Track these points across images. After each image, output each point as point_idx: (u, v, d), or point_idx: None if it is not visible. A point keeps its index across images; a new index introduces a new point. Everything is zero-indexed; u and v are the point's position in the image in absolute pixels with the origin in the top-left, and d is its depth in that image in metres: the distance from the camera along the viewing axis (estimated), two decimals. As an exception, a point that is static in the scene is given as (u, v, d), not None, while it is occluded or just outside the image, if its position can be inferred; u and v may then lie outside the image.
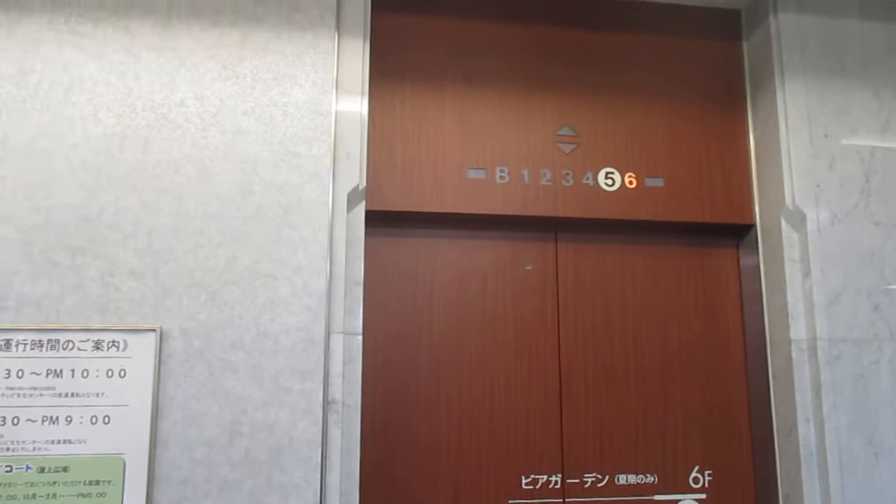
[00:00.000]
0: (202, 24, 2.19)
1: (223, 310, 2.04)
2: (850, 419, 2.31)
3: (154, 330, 1.98)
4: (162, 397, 1.96)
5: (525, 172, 2.48)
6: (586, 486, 2.42)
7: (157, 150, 2.10)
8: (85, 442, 1.93)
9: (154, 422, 1.94)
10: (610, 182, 2.52)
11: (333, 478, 2.03)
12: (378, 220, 2.40)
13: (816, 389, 2.32)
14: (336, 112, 2.23)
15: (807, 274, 2.39)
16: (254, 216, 2.10)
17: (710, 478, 2.50)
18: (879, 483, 2.28)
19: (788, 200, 2.44)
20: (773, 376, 2.46)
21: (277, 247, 2.09)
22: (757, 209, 2.59)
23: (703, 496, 2.48)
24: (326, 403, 2.05)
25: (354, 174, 2.21)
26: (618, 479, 2.44)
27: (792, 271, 2.42)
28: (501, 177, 2.46)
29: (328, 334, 2.09)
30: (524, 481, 2.39)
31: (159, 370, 1.97)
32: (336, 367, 2.10)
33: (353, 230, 2.22)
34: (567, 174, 2.50)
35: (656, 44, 2.66)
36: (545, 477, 2.40)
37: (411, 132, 2.44)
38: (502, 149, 2.49)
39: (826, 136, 2.49)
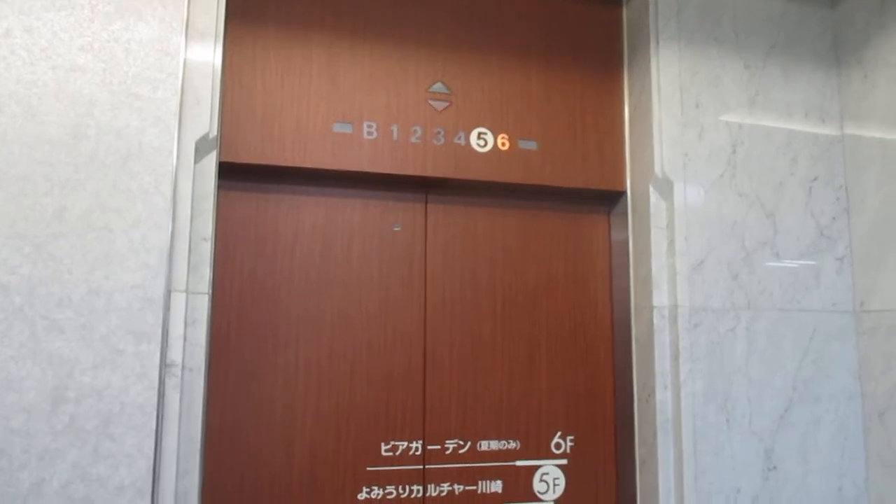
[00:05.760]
0: (33, -55, 1.97)
1: (49, 264, 1.85)
2: (705, 386, 2.34)
3: (-34, 284, 1.78)
4: (-26, 359, 1.77)
5: (394, 129, 2.37)
6: (447, 452, 2.38)
7: (-25, 84, 1.88)
8: None
9: (-36, 386, 1.75)
10: (482, 143, 2.45)
11: (170, 445, 1.90)
12: (234, 173, 2.25)
13: (675, 356, 2.34)
14: (186, 52, 2.06)
15: (671, 242, 2.40)
16: (87, 162, 1.91)
17: (572, 443, 2.50)
18: (729, 449, 2.33)
19: (657, 168, 2.43)
20: (636, 342, 2.47)
21: (114, 197, 1.91)
22: (628, 176, 2.58)
23: (564, 462, 2.48)
24: (164, 367, 1.91)
25: (204, 121, 2.05)
26: (480, 446, 2.41)
27: (658, 239, 2.43)
28: (369, 132, 2.35)
29: (169, 293, 1.94)
30: (384, 448, 2.32)
31: (-29, 329, 1.78)
32: (177, 328, 1.95)
33: (201, 182, 2.06)
34: (438, 133, 2.41)
35: (537, 4, 2.59)
36: (406, 443, 2.34)
37: (273, 81, 2.29)
38: (371, 103, 2.37)
39: (697, 105, 2.50)
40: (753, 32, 2.61)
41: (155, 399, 1.87)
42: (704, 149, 2.48)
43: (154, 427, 1.86)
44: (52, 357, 1.82)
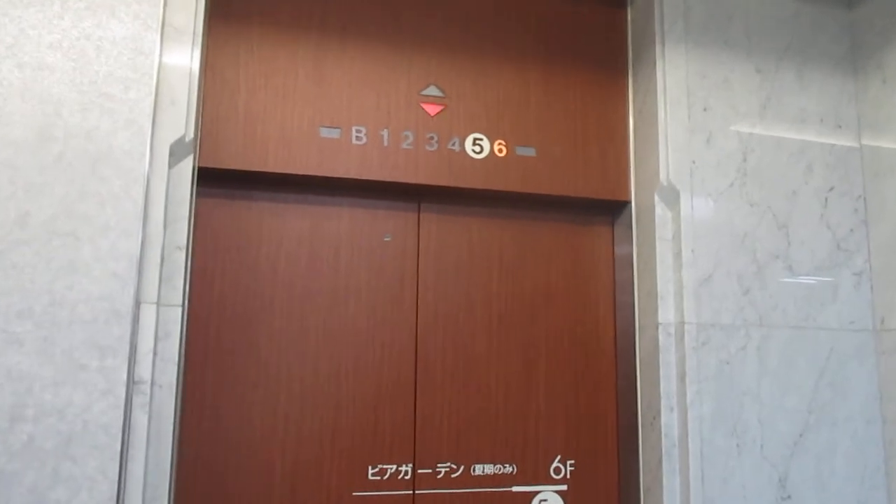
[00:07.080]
0: (1, -62, 1.87)
1: (9, 273, 1.73)
2: (713, 408, 2.20)
3: (-81, 294, 1.67)
4: (-74, 374, 1.66)
5: (384, 134, 2.26)
6: (439, 476, 2.24)
7: (-63, 82, 1.78)
8: None
9: (-86, 403, 1.64)
10: (478, 149, 2.33)
11: (136, 468, 1.77)
12: (214, 179, 2.14)
13: (682, 376, 2.20)
14: (161, 52, 1.95)
15: (678, 254, 2.26)
16: (54, 165, 1.80)
17: (573, 468, 2.35)
18: (740, 476, 2.18)
19: (663, 176, 2.30)
20: (641, 361, 2.33)
21: (81, 202, 1.80)
22: (632, 185, 2.45)
23: (564, 488, 2.34)
24: (131, 383, 1.78)
25: (179, 124, 1.93)
26: (474, 470, 2.27)
27: (663, 251, 2.29)
28: (358, 137, 2.23)
29: (138, 304, 1.82)
30: (371, 472, 2.19)
31: (-76, 342, 1.67)
32: (146, 342, 1.83)
33: (176, 187, 1.94)
34: (431, 138, 2.29)
35: (537, 4, 2.47)
36: (394, 467, 2.21)
37: (257, 83, 2.18)
38: (360, 106, 2.25)
39: (705, 110, 2.37)
40: (765, 34, 2.48)
41: (121, 418, 1.74)
42: (713, 156, 2.35)
43: (119, 449, 1.73)
44: (10, 372, 1.70)
